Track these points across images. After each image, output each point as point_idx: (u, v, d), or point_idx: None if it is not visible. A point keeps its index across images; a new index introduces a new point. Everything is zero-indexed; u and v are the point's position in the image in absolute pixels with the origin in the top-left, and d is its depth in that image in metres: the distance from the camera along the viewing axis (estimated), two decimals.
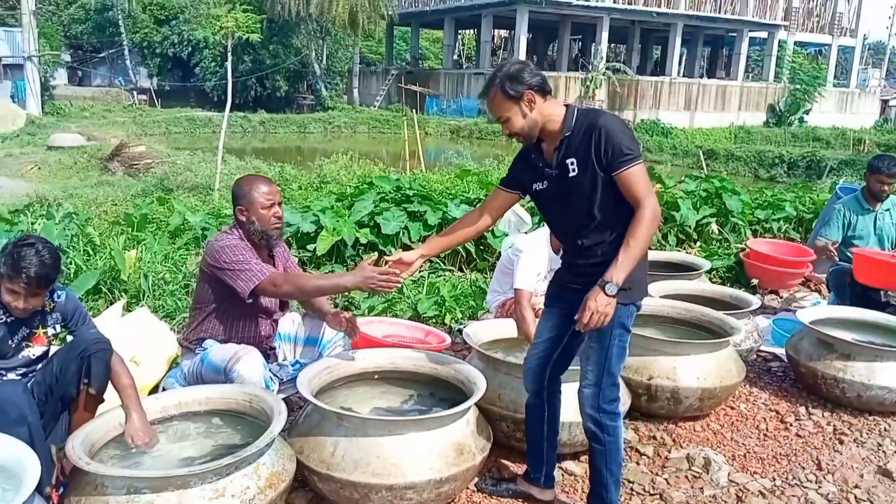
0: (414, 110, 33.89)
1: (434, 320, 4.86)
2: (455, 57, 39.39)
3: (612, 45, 38.32)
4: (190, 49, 37.45)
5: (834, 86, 39.42)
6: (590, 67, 32.24)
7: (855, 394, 3.79)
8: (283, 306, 3.38)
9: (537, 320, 3.02)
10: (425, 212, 6.99)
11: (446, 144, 27.71)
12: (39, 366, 2.84)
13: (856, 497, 3.11)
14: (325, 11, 31.15)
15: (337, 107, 35.09)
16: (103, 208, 7.70)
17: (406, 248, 6.75)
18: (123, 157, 12.78)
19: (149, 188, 10.23)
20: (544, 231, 3.99)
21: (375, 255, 3.21)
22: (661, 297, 4.36)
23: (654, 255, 5.61)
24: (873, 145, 24.29)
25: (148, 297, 5.25)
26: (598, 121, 2.48)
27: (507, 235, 4.72)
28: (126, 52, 38.26)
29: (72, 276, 5.38)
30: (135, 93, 34.62)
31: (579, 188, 2.54)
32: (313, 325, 3.45)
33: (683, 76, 35.76)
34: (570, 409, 2.90)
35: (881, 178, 4.75)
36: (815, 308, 4.21)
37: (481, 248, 7.02)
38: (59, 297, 2.78)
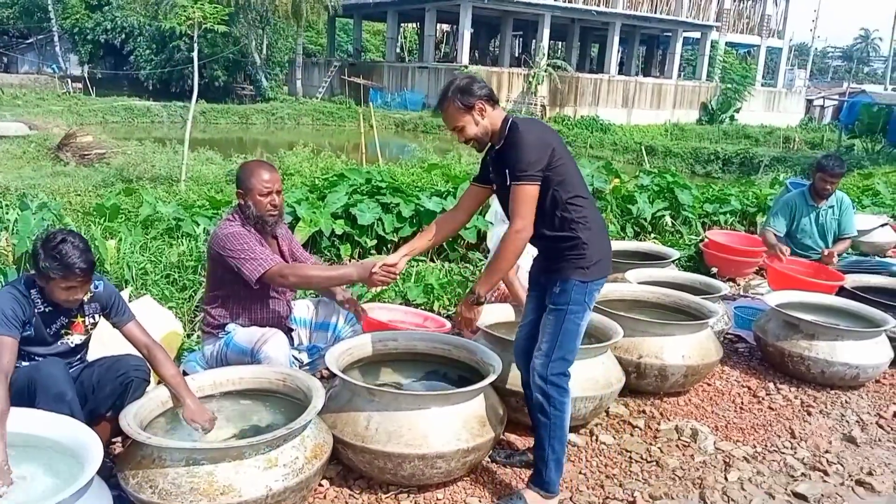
0: (358, 103, 33.92)
1: (423, 307, 5.04)
2: (398, 50, 39.36)
3: (553, 42, 38.97)
4: (123, 36, 36.42)
5: (762, 85, 41.07)
6: (532, 64, 32.76)
7: (819, 370, 4.16)
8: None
9: None
10: (398, 204, 7.15)
11: (391, 138, 27.77)
12: (78, 356, 2.92)
13: (827, 461, 3.45)
14: (268, 1, 30.76)
15: (278, 98, 34.69)
16: (67, 199, 7.58)
17: (381, 239, 6.91)
18: (72, 146, 12.46)
19: (108, 179, 10.04)
20: None
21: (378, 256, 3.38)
22: (638, 283, 4.65)
23: (627, 245, 5.94)
24: (802, 143, 25.51)
25: (132, 286, 5.26)
26: (512, 135, 2.71)
27: (492, 225, 4.92)
28: (56, 39, 36.92)
29: None
30: (69, 80, 33.43)
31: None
32: (327, 312, 3.60)
33: (621, 74, 36.70)
34: (572, 385, 3.12)
35: (825, 178, 5.15)
36: (780, 293, 4.57)
37: (451, 239, 7.22)
38: (96, 286, 2.85)
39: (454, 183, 7.96)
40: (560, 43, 41.55)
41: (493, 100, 2.78)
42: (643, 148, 19.76)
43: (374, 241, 6.90)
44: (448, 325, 4.21)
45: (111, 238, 5.67)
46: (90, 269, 2.67)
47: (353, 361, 3.28)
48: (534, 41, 37.14)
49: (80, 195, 8.13)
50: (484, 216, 7.33)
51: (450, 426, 2.88)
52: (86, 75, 34.69)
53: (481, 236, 7.31)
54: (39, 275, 2.65)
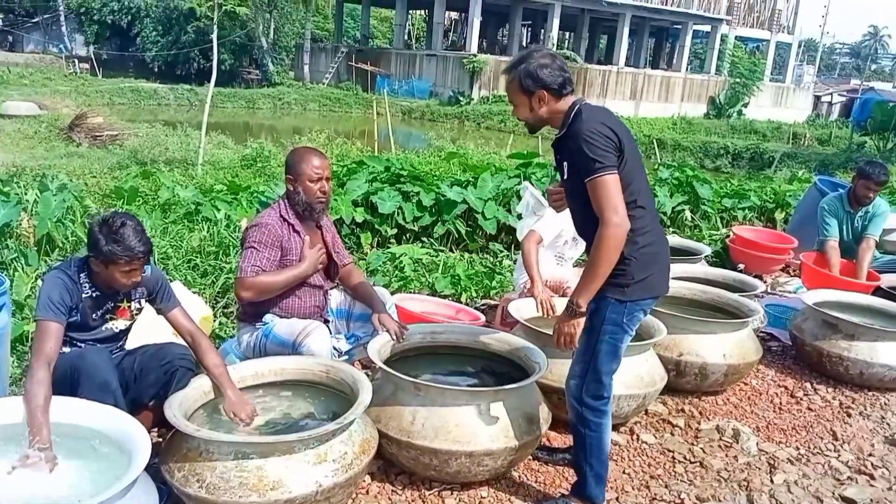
0: (365, 90, 33.76)
1: (450, 298, 4.97)
2: (405, 38, 39.15)
3: (562, 32, 38.74)
4: (130, 17, 36.21)
5: (771, 80, 40.85)
6: None
7: (857, 371, 4.09)
8: (332, 278, 3.43)
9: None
10: (418, 192, 7.07)
11: (398, 126, 27.57)
12: (119, 343, 2.85)
13: (872, 464, 3.39)
14: None
15: (284, 83, 34.54)
16: (83, 181, 7.49)
17: (401, 227, 6.84)
18: (84, 127, 12.35)
19: (123, 161, 9.94)
20: None
21: (308, 238, 3.24)
22: (672, 278, 4.57)
23: None
24: (813, 139, 25.36)
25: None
26: (577, 125, 2.46)
27: (521, 218, 4.85)
28: (62, 18, 36.73)
29: (71, 248, 5.29)
30: (76, 61, 33.25)
31: (570, 188, 2.63)
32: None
33: (629, 66, 36.50)
34: (616, 382, 3.04)
35: (869, 185, 5.02)
36: (816, 292, 4.49)
37: (470, 229, 7.16)
38: (144, 271, 2.79)
39: (474, 172, 7.86)
40: (569, 33, 41.32)
41: (561, 92, 2.54)
42: (655, 141, 19.60)
43: (395, 230, 6.82)
44: (482, 318, 4.15)
45: None
46: (150, 251, 2.63)
47: (392, 354, 3.21)
48: (543, 31, 36.90)
49: (95, 177, 8.05)
50: (508, 209, 7.26)
51: (499, 423, 2.81)
52: (92, 56, 34.49)
53: (501, 227, 7.25)
54: (100, 259, 2.58)
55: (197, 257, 5.48)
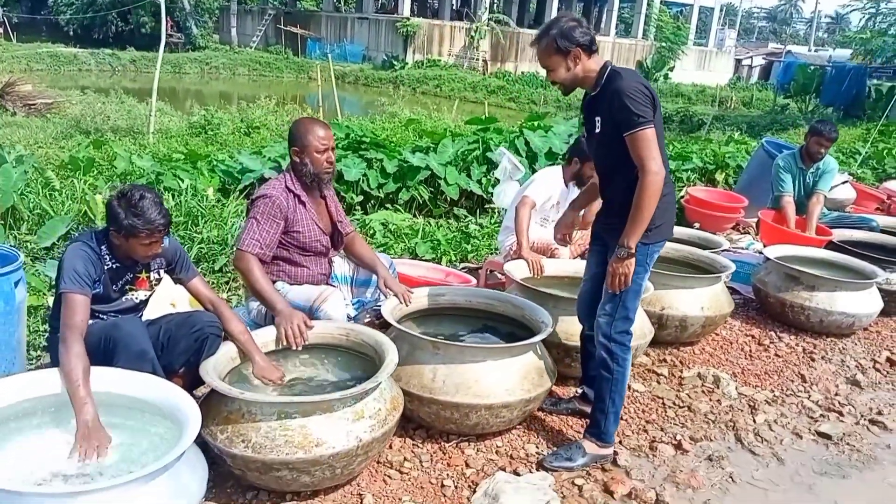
0: (296, 53, 33.07)
1: (431, 262, 5.08)
2: (335, 0, 38.38)
3: None
4: None
5: (694, 45, 41.89)
6: (473, 18, 32.49)
7: (818, 319, 4.43)
8: (336, 246, 3.50)
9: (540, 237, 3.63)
10: (381, 159, 7.11)
11: (329, 90, 27.26)
12: (140, 313, 2.86)
13: (839, 402, 3.72)
14: None
15: (209, 46, 33.46)
16: (30, 151, 7.21)
17: (366, 194, 6.88)
18: (13, 96, 11.76)
19: (67, 131, 9.54)
20: (558, 168, 4.34)
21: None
22: None
23: None
24: (739, 102, 26.27)
25: None
26: (617, 83, 2.64)
27: (499, 182, 4.99)
28: None
29: (37, 221, 5.15)
30: None
31: (602, 142, 2.81)
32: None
33: None
34: None
35: (821, 141, 5.33)
36: (777, 247, 4.80)
37: (433, 195, 7.25)
38: (163, 241, 2.79)
39: (433, 138, 7.93)
40: None
41: (591, 49, 2.71)
42: None
43: (360, 197, 6.86)
44: (473, 280, 4.29)
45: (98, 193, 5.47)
46: (169, 223, 2.64)
47: (403, 316, 3.32)
48: None
49: (42, 147, 7.75)
50: (469, 175, 7.38)
51: (514, 377, 2.97)
52: (4, 20, 32.56)
53: (462, 192, 7.37)
54: (121, 232, 2.58)
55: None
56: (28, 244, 4.75)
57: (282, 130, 9.14)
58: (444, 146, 7.40)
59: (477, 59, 31.41)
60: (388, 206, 6.96)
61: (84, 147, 7.04)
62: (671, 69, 36.84)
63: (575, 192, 4.55)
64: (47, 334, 2.83)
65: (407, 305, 3.31)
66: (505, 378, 2.95)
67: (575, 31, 2.67)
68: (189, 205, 5.69)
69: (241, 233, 3.18)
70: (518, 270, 3.85)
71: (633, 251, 2.72)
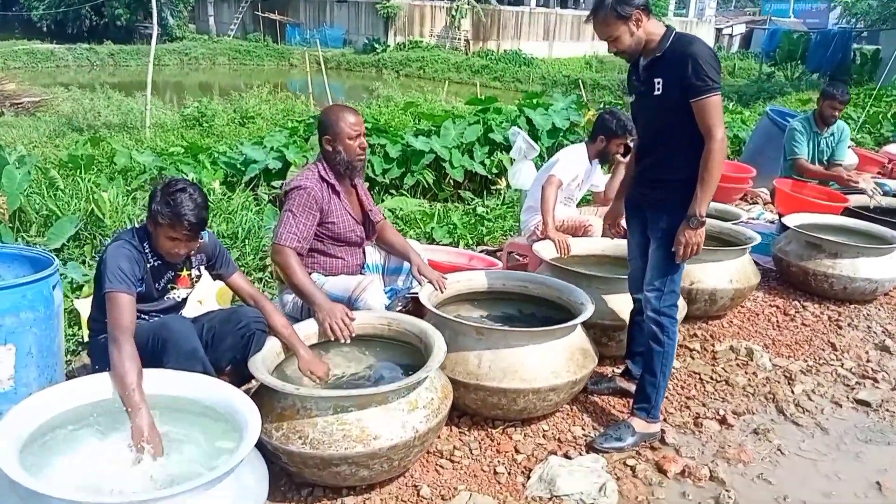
0: (276, 40, 32.64)
1: (449, 247, 5.04)
2: None
3: None
4: None
5: (675, 15, 41.76)
6: None
7: (841, 286, 4.43)
8: (369, 235, 3.45)
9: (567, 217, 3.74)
10: (384, 144, 7.05)
11: (313, 76, 26.95)
12: (180, 311, 2.81)
13: (872, 370, 3.72)
14: None
15: (187, 36, 32.94)
16: (27, 151, 7.06)
17: (371, 180, 6.80)
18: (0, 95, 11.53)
19: (59, 129, 9.35)
20: (582, 146, 4.30)
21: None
22: None
23: None
24: (725, 72, 26.21)
25: None
26: (690, 48, 2.64)
27: (514, 161, 4.93)
28: None
29: (42, 223, 5.05)
30: None
31: (661, 106, 2.77)
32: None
33: (540, 7, 36.57)
34: None
35: (834, 104, 5.31)
36: (796, 216, 4.79)
37: (437, 178, 7.20)
38: (201, 237, 2.73)
39: (434, 122, 7.86)
40: None
41: (649, 10, 2.70)
42: (580, 82, 19.91)
43: (366, 184, 6.79)
44: (499, 263, 4.25)
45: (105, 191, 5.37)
46: (201, 226, 2.56)
47: (438, 303, 3.28)
48: None
49: (37, 146, 7.60)
50: (472, 156, 7.32)
51: (559, 359, 2.94)
52: None
53: (466, 174, 7.33)
54: (149, 217, 2.52)
55: None
56: (38, 246, 4.65)
57: (277, 119, 9.03)
58: (447, 129, 7.34)
59: (459, 39, 31.15)
60: (394, 191, 6.90)
61: (81, 145, 6.90)
62: None
63: (598, 168, 4.53)
64: (89, 337, 2.76)
65: (442, 292, 3.27)
66: (551, 361, 2.93)
67: None
68: (197, 200, 5.59)
69: (276, 226, 3.11)
70: (546, 251, 3.81)
71: (704, 219, 2.71)
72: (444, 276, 3.32)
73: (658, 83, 2.74)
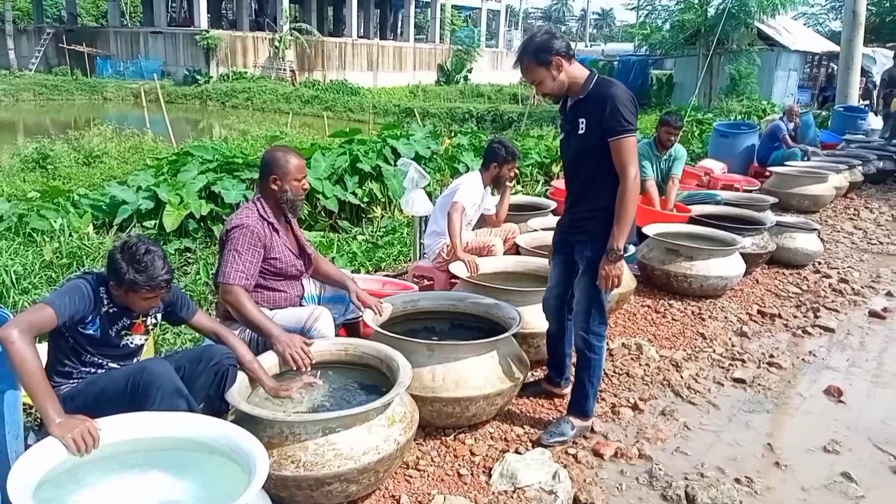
0: (85, 74, 30.71)
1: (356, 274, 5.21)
2: (120, 15, 36.06)
3: (291, 4, 38.30)
4: None
5: (486, 46, 44.15)
6: (276, 27, 32.03)
7: (698, 285, 5.13)
8: (307, 268, 3.58)
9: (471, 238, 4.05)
10: (258, 179, 7.06)
11: (131, 110, 25.68)
12: (135, 359, 2.81)
13: (738, 352, 4.38)
14: None
15: None
16: None
17: None
18: None
19: None
20: (476, 173, 4.69)
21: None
22: (542, 228, 5.28)
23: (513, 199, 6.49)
24: (542, 100, 28.09)
25: (13, 291, 4.78)
26: (609, 90, 2.91)
27: (406, 190, 5.22)
28: None
29: None
30: None
31: (584, 145, 3.05)
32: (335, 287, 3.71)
33: (362, 38, 37.27)
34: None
35: (670, 130, 6.10)
36: (652, 226, 5.46)
37: (312, 210, 7.33)
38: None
39: (305, 153, 7.95)
40: (296, 5, 40.92)
41: (570, 55, 2.95)
42: (416, 111, 20.58)
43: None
44: (414, 286, 4.50)
45: None
46: (172, 278, 2.63)
47: (379, 325, 3.49)
48: (268, 3, 36.19)
49: None
50: (344, 187, 7.52)
51: (503, 366, 3.26)
52: None
53: (342, 205, 7.51)
54: (121, 286, 2.54)
55: (53, 272, 5.12)
56: None
57: (127, 157, 8.65)
58: (317, 160, 7.49)
59: (284, 70, 31.02)
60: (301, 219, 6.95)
61: None
62: (470, 71, 38.64)
63: (489, 192, 4.93)
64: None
65: (380, 315, 3.49)
66: (495, 369, 3.24)
67: (551, 41, 2.93)
68: (72, 245, 5.39)
69: (221, 266, 3.18)
70: (462, 271, 4.14)
71: (623, 253, 2.99)
72: (380, 301, 3.54)
73: (582, 123, 3.01)
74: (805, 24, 32.88)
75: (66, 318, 2.49)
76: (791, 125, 10.20)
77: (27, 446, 2.54)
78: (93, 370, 2.69)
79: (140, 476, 2.34)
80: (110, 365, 2.72)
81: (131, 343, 2.79)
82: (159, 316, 2.86)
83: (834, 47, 22.47)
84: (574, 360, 3.41)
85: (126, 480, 2.30)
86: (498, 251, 4.56)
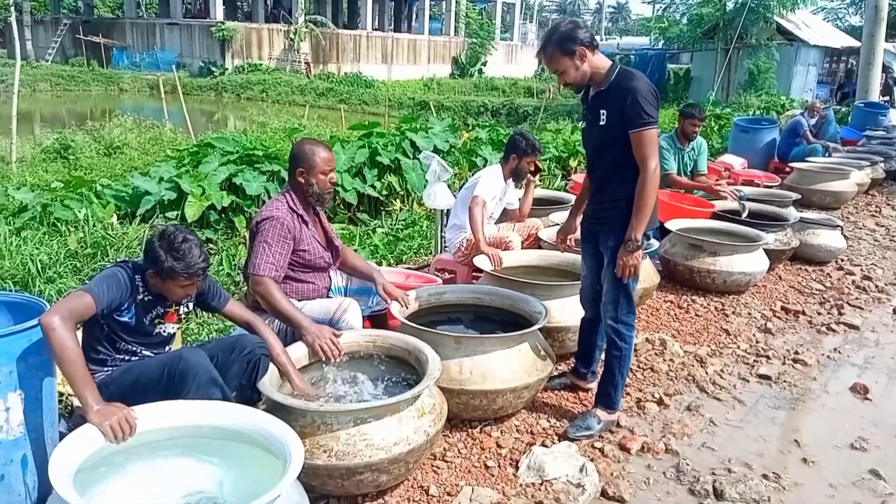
0: (101, 65, 30.89)
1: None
2: (136, 6, 36.22)
3: None
4: None
5: (501, 39, 44.03)
6: (291, 20, 32.07)
7: (722, 280, 5.11)
8: (335, 260, 3.60)
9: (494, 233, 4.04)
10: (278, 171, 7.10)
11: (146, 101, 25.81)
12: (168, 347, 2.84)
13: (762, 348, 4.37)
14: None
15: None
16: None
17: None
18: None
19: None
20: (497, 166, 4.69)
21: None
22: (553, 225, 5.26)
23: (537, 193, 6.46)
24: (556, 93, 28.01)
25: (39, 280, 4.82)
26: (631, 83, 2.91)
27: (428, 183, 5.22)
28: None
29: None
30: None
31: (604, 135, 3.09)
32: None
33: (377, 31, 37.26)
34: (575, 313, 3.61)
35: (693, 122, 6.08)
36: (676, 221, 5.44)
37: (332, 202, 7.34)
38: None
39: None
40: None
41: (593, 45, 2.96)
42: (431, 104, 20.57)
43: None
44: (438, 280, 4.51)
45: None
46: (208, 265, 2.65)
47: (406, 317, 3.50)
48: None
49: None
50: (364, 180, 7.54)
51: (529, 359, 3.27)
52: None
53: (361, 198, 7.53)
54: (159, 273, 2.56)
55: (78, 262, 5.16)
56: None
57: (147, 148, 8.71)
58: (337, 153, 7.49)
59: (299, 62, 31.06)
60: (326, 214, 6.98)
61: None
62: (484, 64, 38.56)
63: (512, 186, 4.92)
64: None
65: (407, 307, 3.50)
66: (522, 362, 3.24)
67: (575, 31, 2.95)
68: (96, 235, 5.42)
69: (251, 258, 3.20)
70: (486, 264, 4.14)
71: (640, 243, 3.02)
72: (406, 293, 3.55)
73: (603, 114, 3.04)
74: (824, 19, 32.60)
75: (104, 305, 2.52)
76: (813, 121, 10.12)
77: (60, 434, 2.58)
78: (127, 357, 2.72)
79: (176, 463, 2.37)
80: (144, 353, 2.75)
81: (164, 331, 2.82)
82: (191, 305, 2.88)
83: (853, 42, 22.28)
84: (604, 354, 3.41)
85: (162, 468, 2.34)
86: (515, 246, 4.56)
